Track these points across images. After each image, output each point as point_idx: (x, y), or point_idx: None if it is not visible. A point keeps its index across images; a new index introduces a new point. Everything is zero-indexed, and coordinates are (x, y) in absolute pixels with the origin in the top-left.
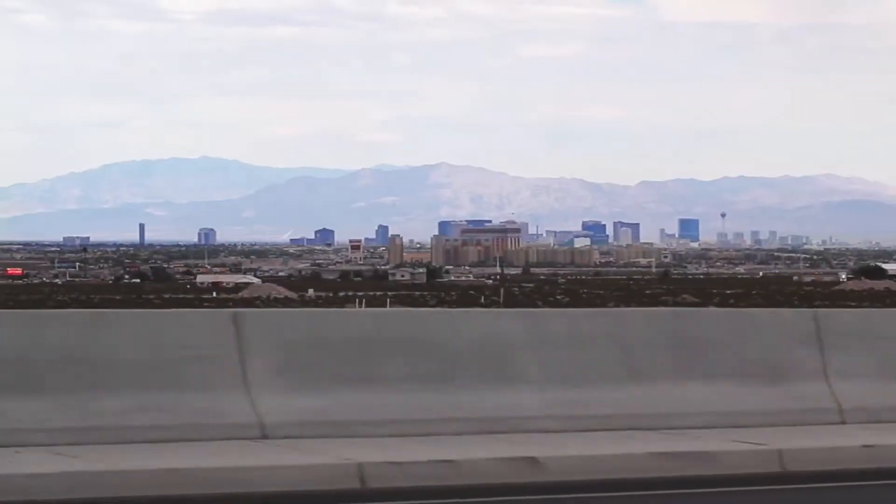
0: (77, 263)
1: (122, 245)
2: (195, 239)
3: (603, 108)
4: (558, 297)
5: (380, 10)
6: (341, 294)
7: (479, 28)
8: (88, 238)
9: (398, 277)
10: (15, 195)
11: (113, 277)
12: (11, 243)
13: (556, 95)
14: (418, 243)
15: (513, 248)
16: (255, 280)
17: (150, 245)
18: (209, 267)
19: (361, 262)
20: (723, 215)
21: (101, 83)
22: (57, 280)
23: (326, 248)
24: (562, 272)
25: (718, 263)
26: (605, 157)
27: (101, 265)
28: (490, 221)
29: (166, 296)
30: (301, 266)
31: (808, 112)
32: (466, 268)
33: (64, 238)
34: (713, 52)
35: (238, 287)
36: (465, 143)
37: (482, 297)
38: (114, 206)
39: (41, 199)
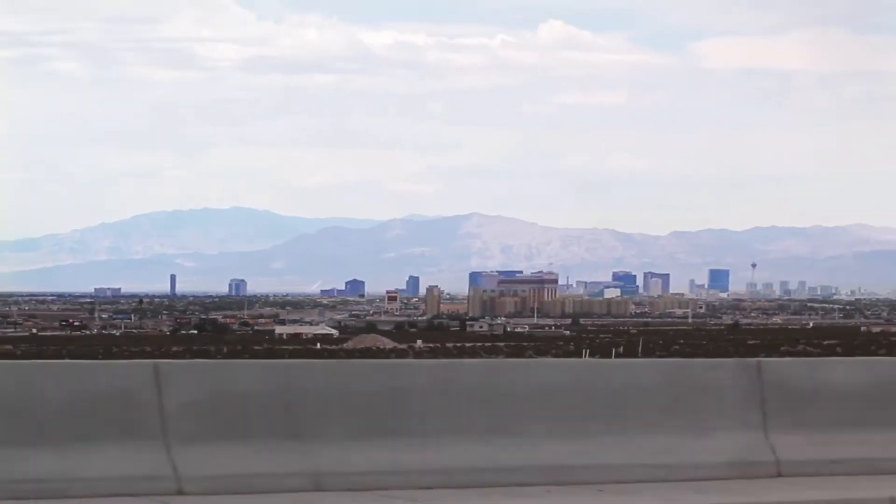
0: (132, 314)
1: (154, 296)
2: (225, 290)
3: (635, 158)
4: (672, 348)
5: (418, 58)
6: (449, 345)
7: (518, 75)
8: (119, 289)
9: (475, 328)
10: (45, 246)
11: (171, 328)
12: (44, 294)
13: (590, 144)
14: (448, 294)
15: (549, 299)
16: (332, 331)
17: (183, 296)
18: (246, 318)
19: (398, 313)
20: (753, 266)
21: (133, 133)
22: (115, 332)
23: (360, 300)
24: (603, 322)
25: (752, 314)
26: (636, 207)
27: (160, 315)
28: (521, 272)
29: (277, 347)
30: (339, 317)
31: (841, 160)
32: (502, 318)
33: (95, 289)
34: (750, 99)
35: (335, 338)
36: (497, 193)
37: (620, 347)
38: (144, 256)
39: (71, 250)
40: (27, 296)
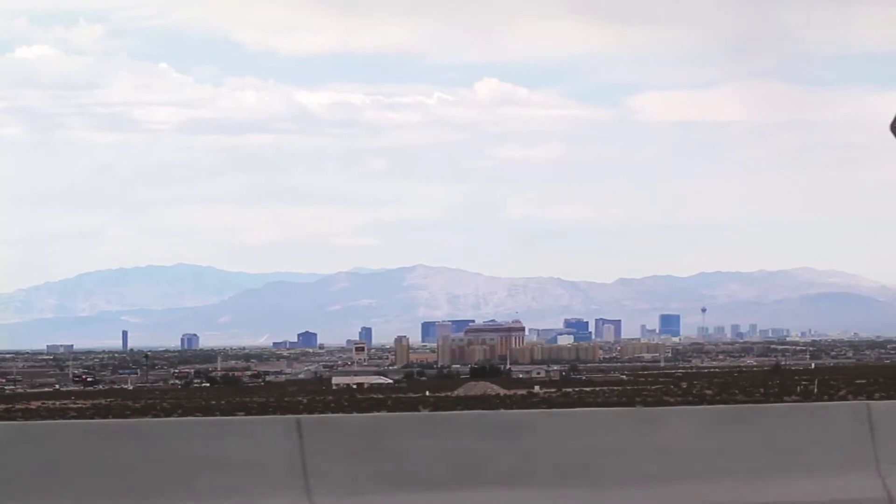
0: (137, 370)
1: (111, 351)
2: (176, 344)
3: (578, 208)
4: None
5: (356, 117)
6: (568, 390)
7: (456, 132)
8: (72, 346)
9: (534, 375)
10: None
11: (182, 382)
12: None
13: (532, 196)
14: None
15: (517, 347)
16: (385, 379)
17: (139, 350)
18: (219, 370)
19: (366, 364)
20: (703, 310)
21: (77, 194)
22: (126, 386)
23: (320, 350)
24: (603, 367)
25: (720, 356)
26: (581, 256)
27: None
28: (473, 321)
29: (378, 397)
30: (312, 368)
31: (784, 207)
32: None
33: (47, 346)
34: (688, 150)
35: (395, 387)
36: (441, 245)
37: (797, 388)
38: (90, 314)
39: (17, 309)
40: None
